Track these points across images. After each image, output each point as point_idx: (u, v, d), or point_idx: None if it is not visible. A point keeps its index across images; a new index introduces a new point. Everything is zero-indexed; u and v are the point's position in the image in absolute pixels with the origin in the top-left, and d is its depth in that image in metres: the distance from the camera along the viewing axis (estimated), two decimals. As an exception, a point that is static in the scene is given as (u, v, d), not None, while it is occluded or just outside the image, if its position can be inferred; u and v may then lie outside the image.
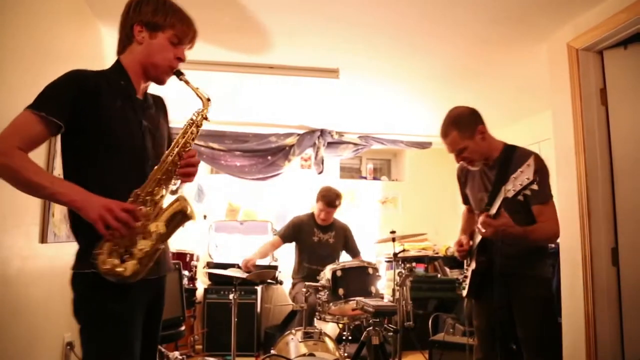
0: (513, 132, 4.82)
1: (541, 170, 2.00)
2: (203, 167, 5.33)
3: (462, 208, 2.60)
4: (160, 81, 1.55)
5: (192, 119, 1.50)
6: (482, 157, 2.20)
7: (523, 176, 1.77)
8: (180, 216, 1.41)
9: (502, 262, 2.04)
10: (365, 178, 5.93)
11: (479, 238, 2.17)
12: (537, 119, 4.42)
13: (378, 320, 2.51)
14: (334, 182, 5.25)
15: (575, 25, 2.70)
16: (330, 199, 3.77)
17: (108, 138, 1.41)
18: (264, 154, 5.24)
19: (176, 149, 1.44)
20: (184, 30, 1.52)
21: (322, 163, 5.31)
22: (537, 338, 2.06)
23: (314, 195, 3.91)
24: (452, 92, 4.04)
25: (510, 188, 1.82)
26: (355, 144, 5.45)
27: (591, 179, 2.62)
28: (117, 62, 1.52)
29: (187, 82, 1.52)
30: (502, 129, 4.96)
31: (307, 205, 3.96)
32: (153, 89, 1.64)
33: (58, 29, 2.34)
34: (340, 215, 4.11)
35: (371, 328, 2.51)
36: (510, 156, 2.15)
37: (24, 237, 2.02)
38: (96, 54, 2.85)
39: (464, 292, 2.31)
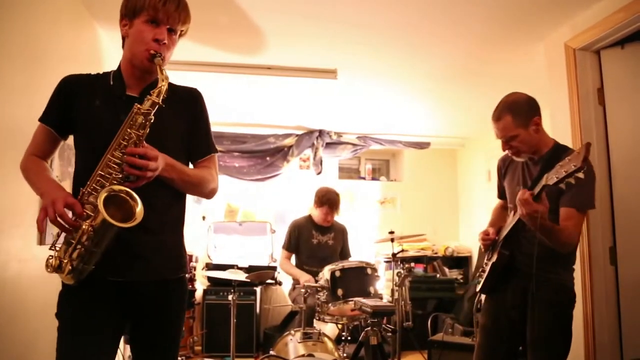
0: (511, 132, 4.84)
1: (589, 170, 1.87)
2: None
3: (461, 207, 2.59)
4: (147, 69, 1.42)
5: (136, 107, 1.32)
6: (530, 149, 2.06)
7: (570, 163, 1.64)
8: (107, 224, 1.23)
9: (525, 260, 1.99)
10: (364, 178, 5.93)
11: (507, 228, 2.08)
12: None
13: (376, 320, 2.51)
14: (333, 182, 5.26)
15: (573, 25, 2.71)
16: (334, 201, 3.77)
17: (81, 138, 1.46)
18: (262, 155, 5.24)
19: (115, 143, 1.31)
20: (156, 7, 1.37)
21: (321, 164, 5.31)
22: (546, 341, 1.96)
23: (312, 196, 3.90)
24: (450, 92, 4.04)
25: (554, 175, 1.70)
26: (353, 145, 5.46)
27: (589, 178, 2.62)
28: (119, 65, 1.51)
29: (158, 64, 1.36)
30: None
31: (306, 206, 3.95)
32: (185, 82, 1.60)
33: (55, 31, 2.34)
34: (339, 216, 4.11)
35: (369, 328, 2.51)
36: (559, 155, 1.93)
37: (22, 239, 2.02)
38: (94, 55, 2.85)
39: (478, 287, 2.22)
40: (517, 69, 3.49)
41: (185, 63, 3.41)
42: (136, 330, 1.50)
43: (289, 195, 5.50)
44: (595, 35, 2.54)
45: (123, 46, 1.49)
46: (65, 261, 1.28)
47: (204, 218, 5.15)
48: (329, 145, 5.38)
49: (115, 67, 1.52)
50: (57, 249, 1.32)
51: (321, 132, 5.28)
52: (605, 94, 2.65)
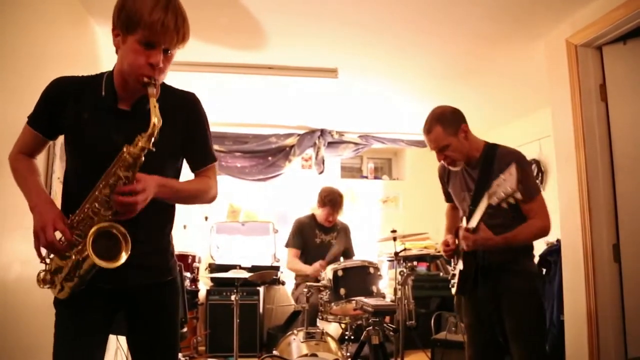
0: (513, 130, 4.82)
1: (523, 171, 1.95)
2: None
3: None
4: (136, 90, 1.34)
5: (126, 149, 1.25)
6: (464, 156, 2.21)
7: (506, 184, 1.78)
8: (93, 262, 1.24)
9: (488, 258, 2.12)
10: (366, 177, 5.93)
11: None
12: (537, 116, 4.40)
13: (377, 319, 2.50)
14: (335, 181, 5.24)
15: (574, 21, 2.69)
16: (337, 201, 3.77)
17: (70, 147, 1.43)
18: (264, 155, 5.24)
19: (105, 180, 1.28)
20: (152, 28, 1.24)
21: (323, 163, 5.31)
22: (524, 328, 2.08)
23: (315, 195, 3.90)
24: (451, 90, 4.03)
25: (494, 196, 1.84)
26: (355, 144, 5.45)
27: (592, 175, 2.61)
28: (112, 69, 1.43)
29: (151, 95, 1.27)
30: (502, 126, 4.96)
31: (309, 205, 3.95)
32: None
33: (53, 30, 2.35)
34: (342, 215, 4.11)
35: (371, 328, 2.50)
36: (492, 155, 2.16)
37: (23, 241, 2.01)
38: (91, 54, 2.85)
39: (453, 290, 2.33)
40: (517, 67, 3.47)
41: (186, 64, 3.41)
42: (132, 333, 1.51)
43: (292, 195, 5.50)
44: (597, 31, 2.53)
45: (117, 53, 1.39)
46: (56, 281, 1.33)
47: (206, 218, 5.14)
48: (330, 144, 5.38)
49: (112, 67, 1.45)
50: (48, 262, 1.36)
51: (323, 132, 5.28)
52: (607, 90, 2.63)
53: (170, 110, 1.39)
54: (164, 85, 1.45)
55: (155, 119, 1.25)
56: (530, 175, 2.15)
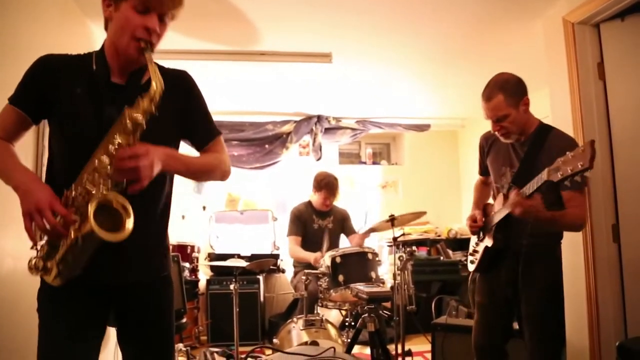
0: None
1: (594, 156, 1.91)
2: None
3: (463, 189, 2.57)
4: (132, 58, 1.29)
5: (127, 111, 1.21)
6: (519, 130, 2.07)
7: (576, 161, 1.63)
8: (96, 235, 1.15)
9: (519, 240, 2.02)
10: (364, 163, 5.90)
11: (498, 216, 2.09)
12: (536, 97, 4.28)
13: (373, 306, 2.49)
14: (333, 168, 5.22)
15: (571, -2, 2.64)
16: (332, 185, 3.77)
17: (60, 127, 1.33)
18: (261, 143, 5.21)
19: (104, 148, 1.21)
20: None
21: (320, 149, 5.28)
22: (541, 315, 2.03)
23: (312, 181, 3.88)
24: (448, 72, 3.98)
25: (557, 172, 1.69)
26: (353, 129, 5.41)
27: (590, 155, 2.58)
28: (102, 45, 1.37)
29: (149, 60, 1.25)
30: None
31: (307, 192, 3.93)
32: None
33: (47, 30, 2.31)
34: (341, 200, 4.09)
35: (366, 315, 2.49)
36: (545, 136, 2.05)
37: (15, 237, 1.99)
38: (82, 50, 2.80)
39: (471, 267, 2.26)
40: (514, 47, 3.42)
41: (178, 52, 3.36)
42: (125, 331, 1.46)
43: (290, 182, 5.48)
44: (594, 8, 2.47)
45: (106, 28, 1.35)
46: (50, 265, 1.22)
47: (204, 208, 5.14)
48: (328, 130, 5.34)
49: None
50: (39, 249, 1.26)
51: (319, 118, 5.24)
52: (605, 68, 2.59)
53: (166, 91, 1.31)
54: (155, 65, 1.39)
55: (156, 82, 1.21)
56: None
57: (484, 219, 2.21)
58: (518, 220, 1.97)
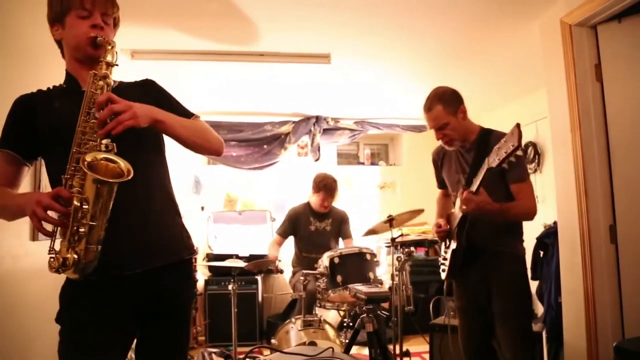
0: (510, 111, 4.79)
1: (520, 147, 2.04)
2: (200, 158, 5.30)
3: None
4: (92, 58, 1.38)
5: (92, 73, 1.32)
6: (461, 137, 2.26)
7: (508, 144, 1.80)
8: (100, 184, 1.18)
9: (479, 240, 2.19)
10: (362, 164, 5.91)
11: (457, 220, 2.22)
12: (533, 98, 4.37)
13: (372, 307, 2.50)
14: (332, 168, 5.23)
15: (568, 0, 2.64)
16: (331, 186, 3.78)
17: (48, 138, 1.38)
18: (259, 143, 5.21)
19: (83, 113, 1.29)
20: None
21: (319, 150, 5.28)
22: (511, 310, 2.14)
23: (311, 183, 3.89)
24: (445, 73, 3.99)
25: (495, 157, 1.88)
26: (351, 130, 5.42)
27: (588, 156, 2.59)
28: (66, 69, 1.48)
29: (103, 44, 1.35)
30: (499, 108, 4.93)
31: (306, 193, 3.94)
32: (138, 76, 1.58)
33: (36, 26, 2.30)
34: (340, 201, 4.09)
35: (365, 315, 2.50)
36: (487, 139, 2.20)
37: (14, 235, 2.01)
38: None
39: (443, 275, 2.37)
40: (511, 48, 3.43)
41: (177, 52, 3.37)
42: (148, 328, 1.44)
43: (288, 182, 5.48)
44: (591, 9, 2.48)
45: (62, 52, 1.46)
46: (69, 254, 1.20)
47: (202, 208, 5.14)
48: (326, 131, 5.34)
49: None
50: (57, 250, 1.25)
51: (318, 118, 5.24)
52: (602, 70, 2.59)
53: (138, 94, 1.44)
54: (120, 81, 1.51)
55: (109, 44, 1.34)
56: (523, 156, 2.17)
57: (447, 225, 2.34)
58: (475, 219, 2.14)
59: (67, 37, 1.41)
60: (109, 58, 1.34)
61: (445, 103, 2.23)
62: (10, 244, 1.97)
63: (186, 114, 1.54)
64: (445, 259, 2.35)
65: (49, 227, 1.23)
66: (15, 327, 1.98)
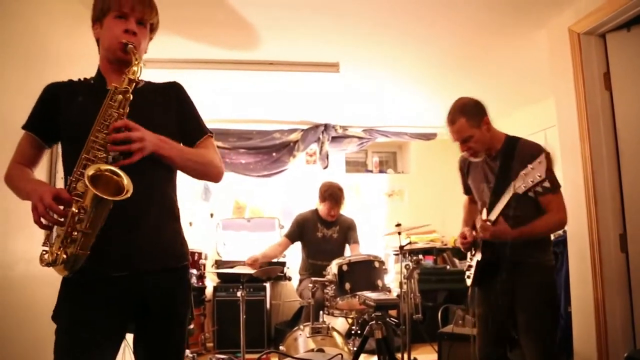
0: (518, 120, 4.79)
1: (542, 155, 2.02)
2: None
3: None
4: (121, 61, 1.43)
5: (113, 86, 1.37)
6: (485, 148, 2.23)
7: (534, 173, 1.81)
8: (97, 200, 1.22)
9: (506, 251, 2.10)
10: (371, 171, 5.91)
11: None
12: (542, 106, 4.36)
13: (380, 314, 2.49)
14: (340, 176, 5.25)
15: (576, 9, 2.65)
16: (336, 195, 3.77)
17: (66, 130, 1.44)
18: (268, 151, 5.24)
19: (97, 124, 1.32)
20: (119, 1, 1.43)
21: (327, 158, 5.30)
22: (536, 323, 2.10)
23: (317, 191, 3.90)
24: (454, 81, 4.00)
25: (521, 184, 1.88)
26: (359, 138, 5.44)
27: (597, 165, 2.58)
28: (98, 66, 1.53)
29: (133, 53, 1.40)
30: (507, 117, 4.92)
31: (314, 200, 3.95)
32: (165, 78, 1.62)
33: (54, 30, 2.35)
34: (347, 209, 4.09)
35: (374, 322, 2.49)
36: (513, 147, 2.19)
37: (28, 239, 2.03)
38: (93, 54, 2.85)
39: (469, 281, 2.34)
40: (520, 57, 3.44)
41: (187, 61, 3.41)
42: (142, 328, 1.47)
43: (297, 190, 5.50)
44: (600, 18, 2.49)
45: (99, 50, 1.52)
46: (59, 252, 1.25)
47: (212, 215, 5.16)
48: (334, 139, 5.37)
49: None
50: (51, 244, 1.29)
51: (326, 126, 5.27)
52: (611, 78, 2.59)
53: (161, 99, 1.52)
54: (148, 82, 1.55)
55: (137, 58, 1.38)
56: (552, 167, 2.15)
57: (473, 234, 2.31)
58: None
59: (102, 37, 1.47)
60: (131, 74, 1.37)
61: (468, 115, 2.19)
62: (23, 248, 2.00)
63: (200, 131, 1.58)
64: (470, 266, 2.34)
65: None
66: (27, 331, 2.00)
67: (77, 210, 1.22)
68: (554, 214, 2.12)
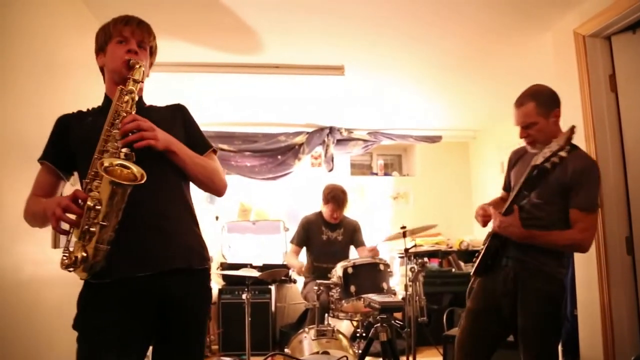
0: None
1: (594, 170, 1.96)
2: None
3: (474, 200, 2.57)
4: (125, 75, 1.49)
5: (120, 87, 1.45)
6: (546, 140, 2.00)
7: (555, 143, 1.74)
8: (115, 186, 1.25)
9: (516, 251, 2.07)
10: (376, 174, 5.92)
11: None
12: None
13: (385, 316, 2.49)
14: (345, 179, 5.25)
15: (581, 11, 2.65)
16: (339, 198, 3.77)
17: (78, 147, 1.49)
18: (273, 154, 5.26)
19: (107, 123, 1.39)
20: (118, 28, 1.53)
21: (332, 160, 5.31)
22: (537, 330, 2.01)
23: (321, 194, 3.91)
24: (459, 84, 4.01)
25: (540, 156, 1.82)
26: (364, 140, 5.44)
27: (602, 167, 2.55)
28: (105, 93, 1.60)
29: (135, 65, 1.48)
30: (511, 119, 4.91)
31: (319, 203, 3.96)
32: (169, 100, 1.69)
33: (60, 38, 2.37)
34: (352, 212, 4.09)
35: (379, 324, 2.49)
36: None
37: (36, 242, 2.05)
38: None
39: (473, 269, 2.27)
40: (525, 59, 3.44)
41: (194, 65, 3.43)
42: (162, 337, 1.46)
43: (302, 193, 5.51)
44: (605, 20, 2.49)
45: (104, 78, 1.60)
46: (78, 252, 1.26)
47: (217, 218, 5.18)
48: (339, 141, 5.38)
49: None
50: (71, 249, 1.30)
51: (331, 129, 5.28)
52: (617, 80, 2.59)
53: (168, 119, 1.57)
54: (152, 105, 1.63)
55: (139, 64, 1.47)
56: (597, 186, 2.02)
57: (492, 213, 2.17)
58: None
59: (107, 62, 1.55)
60: (136, 76, 1.46)
61: (539, 101, 2.06)
62: (31, 250, 2.01)
63: (205, 145, 1.64)
64: (477, 256, 2.25)
65: (66, 227, 1.31)
66: (34, 333, 2.02)
67: (92, 204, 1.24)
68: (575, 233, 1.96)
